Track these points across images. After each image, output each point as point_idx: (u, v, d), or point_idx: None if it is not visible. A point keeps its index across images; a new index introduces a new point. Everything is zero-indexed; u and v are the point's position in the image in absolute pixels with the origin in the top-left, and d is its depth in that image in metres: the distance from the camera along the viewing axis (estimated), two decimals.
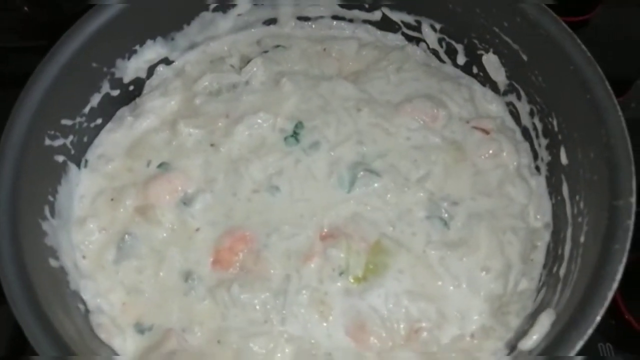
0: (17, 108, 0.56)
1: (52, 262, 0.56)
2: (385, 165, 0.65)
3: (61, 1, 0.92)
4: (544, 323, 0.50)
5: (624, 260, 0.48)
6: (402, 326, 0.58)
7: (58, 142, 0.61)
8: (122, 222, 0.63)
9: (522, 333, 0.52)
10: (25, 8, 0.95)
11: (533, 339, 0.50)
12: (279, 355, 0.57)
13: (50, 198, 0.60)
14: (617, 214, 0.50)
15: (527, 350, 0.50)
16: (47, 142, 0.59)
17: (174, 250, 0.62)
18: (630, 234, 0.49)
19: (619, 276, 0.47)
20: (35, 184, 0.56)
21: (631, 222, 0.49)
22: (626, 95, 0.86)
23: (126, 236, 0.62)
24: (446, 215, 0.63)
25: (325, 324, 0.58)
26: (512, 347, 0.54)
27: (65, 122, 0.62)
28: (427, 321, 0.58)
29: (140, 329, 0.58)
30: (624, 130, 0.53)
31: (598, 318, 0.46)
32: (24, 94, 0.56)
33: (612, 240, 0.49)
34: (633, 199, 0.50)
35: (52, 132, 0.60)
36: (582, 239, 0.55)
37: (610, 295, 0.47)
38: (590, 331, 0.45)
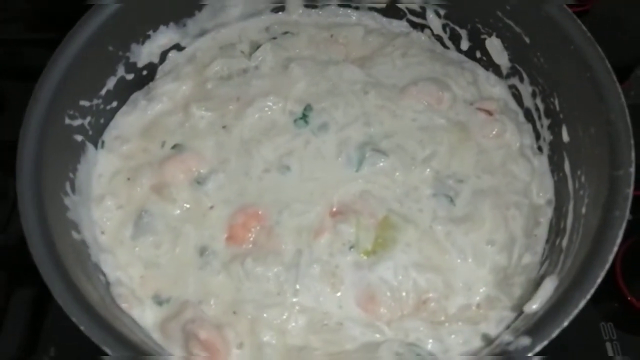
0: (39, 86, 0.58)
1: (75, 235, 0.58)
2: (392, 145, 0.67)
3: None
4: (548, 287, 0.53)
5: (624, 225, 0.50)
6: (410, 297, 0.60)
7: (77, 122, 0.64)
8: (138, 200, 0.65)
9: (527, 299, 0.54)
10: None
11: (537, 302, 0.52)
12: (292, 324, 0.59)
13: (71, 175, 0.62)
14: (617, 184, 0.52)
15: (532, 313, 0.52)
16: (67, 121, 0.62)
17: (189, 227, 0.64)
18: (629, 201, 0.51)
19: (619, 240, 0.50)
20: (56, 160, 0.59)
21: (630, 191, 0.51)
22: (625, 84, 0.88)
23: (143, 213, 0.64)
24: (452, 192, 0.65)
25: (336, 296, 0.60)
26: (518, 311, 0.56)
27: (84, 102, 0.65)
28: (435, 292, 0.60)
29: (158, 300, 0.60)
30: (623, 106, 0.56)
31: (599, 280, 0.48)
32: (46, 73, 0.59)
33: (612, 208, 0.51)
34: (632, 169, 0.52)
35: (72, 112, 0.62)
36: (583, 211, 0.57)
37: (610, 258, 0.49)
38: (592, 291, 0.47)
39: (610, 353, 0.67)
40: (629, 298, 0.69)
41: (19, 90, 0.89)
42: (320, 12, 0.80)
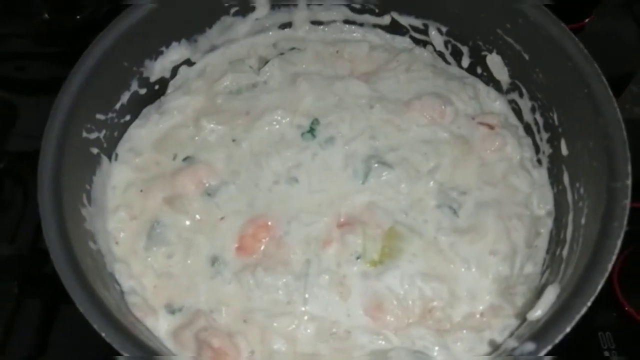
0: (59, 99, 0.60)
1: (92, 245, 0.60)
2: (397, 158, 0.69)
3: (80, 8, 0.96)
4: (550, 295, 0.55)
5: (622, 236, 0.52)
6: (416, 305, 0.61)
7: (93, 135, 0.65)
8: (151, 211, 0.67)
9: (529, 307, 0.56)
10: (46, 15, 0.99)
11: (540, 309, 0.54)
12: (302, 332, 0.60)
13: (87, 187, 0.64)
14: (615, 195, 0.54)
15: (535, 319, 0.54)
16: (85, 134, 0.64)
17: (201, 238, 0.66)
18: (627, 212, 0.53)
19: (617, 249, 0.52)
20: (74, 171, 0.61)
21: (628, 202, 0.53)
22: (619, 98, 0.90)
23: (155, 224, 0.66)
24: (455, 204, 0.67)
25: (344, 304, 0.62)
26: (521, 319, 0.58)
27: (99, 116, 0.67)
28: (440, 300, 0.62)
29: (171, 309, 0.62)
30: (619, 120, 0.58)
31: (599, 287, 0.50)
32: (65, 86, 0.61)
33: (611, 219, 0.53)
34: (629, 181, 0.54)
35: (89, 125, 0.65)
36: (582, 221, 0.59)
37: (610, 266, 0.51)
38: (593, 298, 0.49)
39: None
40: (626, 309, 0.71)
41: (27, 104, 0.92)
42: (326, 29, 0.82)
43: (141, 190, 0.68)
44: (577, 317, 0.48)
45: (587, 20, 0.96)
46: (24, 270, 0.77)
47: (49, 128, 0.59)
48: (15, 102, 0.91)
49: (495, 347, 0.57)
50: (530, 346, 0.49)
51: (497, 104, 0.76)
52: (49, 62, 0.95)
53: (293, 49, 0.80)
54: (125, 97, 0.71)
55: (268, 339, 0.60)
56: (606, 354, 0.69)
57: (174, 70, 0.77)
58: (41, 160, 0.57)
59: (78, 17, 0.96)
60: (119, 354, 0.50)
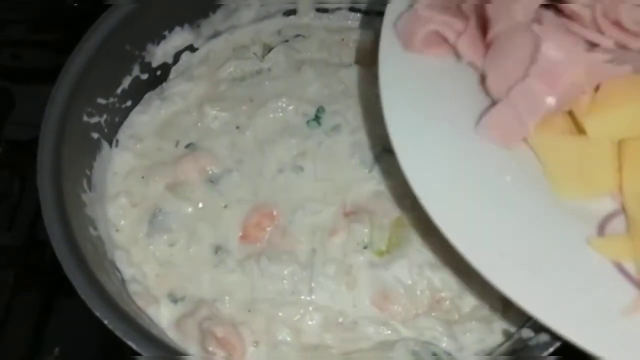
0: (59, 82, 0.59)
1: (92, 232, 0.58)
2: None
3: None
4: None
5: None
6: (425, 295, 0.60)
7: (94, 120, 0.64)
8: (152, 198, 0.66)
9: None
10: (43, 1, 0.98)
11: None
12: (308, 323, 0.59)
13: (88, 172, 0.62)
14: None
15: None
16: (85, 118, 0.62)
17: (204, 226, 0.64)
18: None
19: None
20: (75, 156, 0.59)
21: None
22: None
23: (157, 211, 0.65)
24: None
25: (351, 294, 0.61)
26: None
27: (100, 100, 0.65)
28: (449, 291, 0.60)
29: (173, 299, 0.60)
30: None
31: None
32: (66, 68, 0.59)
33: None
34: None
35: (89, 109, 0.63)
36: None
37: None
38: None
39: None
40: None
41: (24, 92, 0.90)
42: (331, 16, 0.81)
43: (142, 177, 0.67)
44: None
45: None
46: (21, 260, 0.76)
47: (49, 109, 0.57)
48: (11, 90, 0.90)
49: (508, 336, 0.56)
50: (544, 337, 0.48)
51: None
52: (46, 50, 0.94)
53: (298, 36, 0.79)
54: (126, 82, 0.69)
55: (273, 329, 0.58)
56: None
57: (177, 56, 0.75)
58: (41, 143, 0.56)
59: (76, 4, 0.95)
60: (120, 347, 0.48)
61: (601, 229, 0.50)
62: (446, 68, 0.57)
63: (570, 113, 0.54)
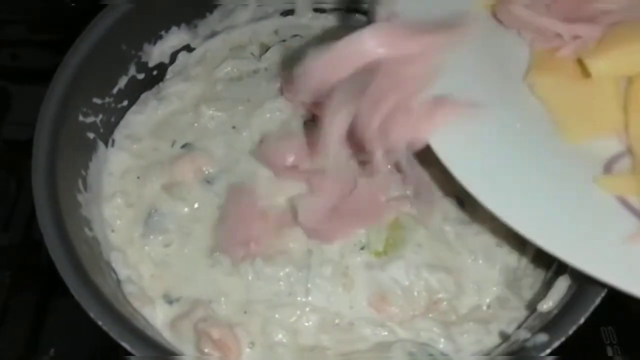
0: (55, 81, 0.59)
1: (87, 232, 0.58)
2: None
3: None
4: (561, 287, 0.53)
5: None
6: (422, 296, 0.60)
7: (89, 120, 0.64)
8: (148, 198, 0.65)
9: (540, 298, 0.55)
10: (41, 1, 0.98)
11: (552, 301, 0.53)
12: (304, 324, 0.59)
13: (83, 172, 0.62)
14: None
15: (546, 311, 0.52)
16: (81, 118, 0.62)
17: (200, 226, 0.64)
18: None
19: None
20: (70, 156, 0.59)
21: None
22: None
23: (153, 212, 0.64)
24: (462, 194, 0.65)
25: (347, 296, 0.60)
26: (528, 312, 0.57)
27: (96, 100, 0.65)
28: (446, 292, 0.60)
29: (169, 299, 0.60)
30: None
31: None
32: (62, 67, 0.59)
33: None
34: None
35: (85, 109, 0.63)
36: None
37: None
38: (606, 289, 0.48)
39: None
40: (629, 303, 0.70)
41: (21, 92, 0.90)
42: (329, 17, 0.81)
43: (138, 177, 0.67)
44: (592, 308, 0.47)
45: None
46: (17, 260, 0.76)
47: (44, 109, 0.57)
48: (9, 90, 0.90)
49: (505, 338, 0.56)
50: (542, 337, 0.48)
51: None
52: (43, 50, 0.94)
53: (295, 36, 0.78)
54: (123, 82, 0.69)
55: (269, 330, 0.58)
56: (609, 349, 0.68)
57: (173, 56, 0.75)
58: (36, 142, 0.55)
59: (73, 4, 0.95)
60: (115, 348, 0.48)
61: (607, 168, 0.51)
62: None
63: (579, 60, 0.55)
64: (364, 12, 0.80)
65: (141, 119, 0.71)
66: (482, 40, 0.58)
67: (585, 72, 0.54)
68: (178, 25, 0.73)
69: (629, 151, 0.52)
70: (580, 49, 0.55)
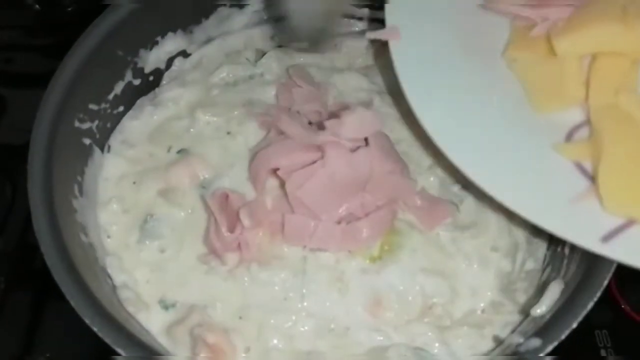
0: (50, 88, 0.59)
1: (83, 238, 0.58)
2: (399, 152, 0.68)
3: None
4: (554, 291, 0.54)
5: None
6: (417, 301, 0.60)
7: (85, 126, 0.64)
8: (144, 204, 0.65)
9: (533, 303, 0.55)
10: (37, 6, 0.98)
11: (545, 305, 0.53)
12: (299, 329, 0.59)
13: (79, 178, 0.62)
14: None
15: (540, 315, 0.53)
16: (77, 124, 0.62)
17: (195, 231, 0.64)
18: None
19: None
20: (66, 161, 0.59)
21: None
22: None
23: (148, 217, 0.64)
24: (457, 199, 0.66)
25: (343, 301, 0.60)
26: (523, 316, 0.58)
27: (92, 106, 0.65)
28: (441, 297, 0.60)
29: (164, 305, 0.60)
30: None
31: (606, 282, 0.49)
32: (59, 73, 0.59)
33: None
34: None
35: (81, 115, 0.63)
36: None
37: (615, 262, 0.50)
38: (599, 293, 0.49)
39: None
40: (623, 307, 0.71)
41: (16, 96, 0.90)
42: None
43: (134, 183, 0.67)
44: (584, 313, 0.48)
45: None
46: (12, 265, 0.76)
47: (40, 115, 0.57)
48: (4, 95, 0.90)
49: (499, 342, 0.56)
50: (535, 342, 0.48)
51: None
52: (39, 55, 0.94)
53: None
54: (119, 88, 0.69)
55: (265, 335, 0.58)
56: (602, 352, 0.69)
57: (169, 62, 0.76)
58: (32, 148, 0.55)
59: (70, 8, 0.95)
60: (110, 352, 0.48)
61: (569, 136, 0.58)
62: None
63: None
64: (359, 18, 0.81)
65: (137, 124, 0.71)
66: (467, 17, 0.65)
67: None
68: (174, 31, 0.73)
69: (588, 121, 0.57)
70: (550, 29, 0.60)
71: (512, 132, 0.57)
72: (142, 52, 0.71)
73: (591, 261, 0.52)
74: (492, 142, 0.57)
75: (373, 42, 0.79)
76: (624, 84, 0.57)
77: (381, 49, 0.78)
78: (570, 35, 0.58)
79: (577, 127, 0.58)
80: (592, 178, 0.53)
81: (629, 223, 0.51)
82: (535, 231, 0.66)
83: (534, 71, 0.61)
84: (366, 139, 0.62)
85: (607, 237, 0.50)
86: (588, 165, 0.55)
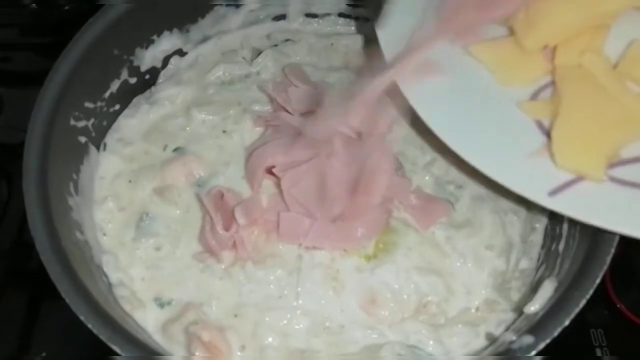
0: (46, 85, 0.59)
1: (79, 235, 0.58)
2: (394, 151, 0.68)
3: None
4: (547, 289, 0.54)
5: None
6: (411, 299, 0.60)
7: (81, 124, 0.64)
8: (140, 202, 0.66)
9: (527, 301, 0.55)
10: (33, 5, 0.97)
11: (538, 303, 0.53)
12: (295, 327, 0.59)
13: (74, 176, 0.62)
14: None
15: (533, 313, 0.53)
16: (72, 122, 0.62)
17: (190, 230, 0.64)
18: None
19: (616, 242, 0.51)
20: (61, 159, 0.59)
21: None
22: None
23: (144, 215, 0.65)
24: (452, 197, 0.66)
25: (338, 299, 0.60)
26: (517, 314, 0.58)
27: (88, 104, 0.65)
28: (435, 295, 0.61)
29: (160, 303, 0.60)
30: None
31: (598, 280, 0.50)
32: (54, 71, 0.59)
33: None
34: None
35: (77, 113, 0.63)
36: None
37: (608, 259, 0.51)
38: (591, 291, 0.49)
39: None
40: (618, 306, 0.71)
41: (12, 95, 0.90)
42: (321, 22, 0.81)
43: (130, 181, 0.67)
44: (576, 310, 0.48)
45: None
46: (8, 263, 0.75)
47: (36, 113, 0.57)
48: (0, 94, 0.89)
49: (492, 340, 0.57)
50: (528, 339, 0.48)
51: None
52: (35, 53, 0.94)
53: (287, 40, 0.79)
54: (115, 86, 0.69)
55: (260, 333, 0.58)
56: (598, 351, 0.69)
57: (165, 60, 0.76)
58: (27, 146, 0.55)
59: (66, 7, 0.95)
60: (106, 351, 0.48)
61: (534, 96, 0.59)
62: None
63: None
64: (355, 18, 0.81)
65: (133, 122, 0.71)
66: None
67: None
68: (170, 30, 0.73)
69: (553, 82, 0.59)
70: (512, 20, 0.61)
71: (480, 93, 0.60)
72: (138, 50, 0.71)
73: (584, 259, 0.52)
74: (460, 103, 0.59)
75: (370, 41, 0.80)
76: (590, 45, 0.58)
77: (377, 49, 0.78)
78: (535, 32, 0.59)
79: (543, 87, 0.59)
80: (548, 135, 0.55)
81: (577, 179, 0.52)
82: (530, 230, 0.66)
83: (497, 55, 0.61)
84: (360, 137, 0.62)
85: (554, 192, 0.52)
86: (547, 122, 0.56)
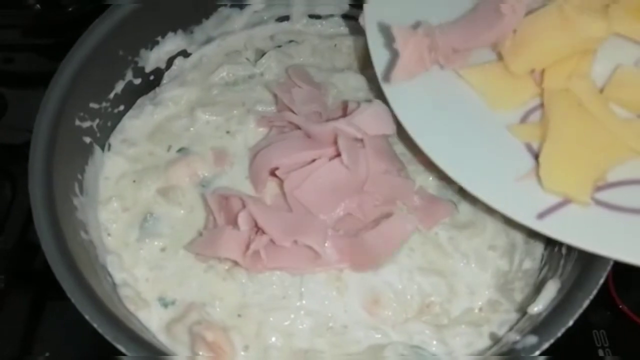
0: (52, 86, 0.59)
1: (83, 235, 0.58)
2: (397, 151, 0.69)
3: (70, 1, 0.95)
4: (551, 290, 0.54)
5: None
6: (415, 300, 0.60)
7: (86, 124, 0.64)
8: (144, 202, 0.66)
9: (530, 301, 0.56)
10: (37, 6, 0.98)
11: (541, 304, 0.53)
12: (298, 327, 0.59)
13: (79, 176, 0.63)
14: None
15: (536, 314, 0.53)
16: (77, 122, 0.62)
17: (194, 230, 0.64)
18: None
19: None
20: (66, 160, 0.59)
21: None
22: None
23: (148, 216, 0.65)
24: (455, 198, 0.67)
25: (341, 299, 0.61)
26: (520, 315, 0.58)
27: (93, 105, 0.65)
28: (438, 295, 0.61)
29: (164, 302, 0.61)
30: None
31: (602, 281, 0.50)
32: (60, 72, 0.60)
33: None
34: None
35: (82, 114, 0.63)
36: None
37: (611, 260, 0.51)
38: (595, 292, 0.49)
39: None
40: (620, 307, 0.72)
41: (16, 96, 0.90)
42: (324, 23, 0.82)
43: (134, 181, 0.67)
44: (580, 311, 0.48)
45: None
46: (11, 265, 0.76)
47: (41, 114, 0.57)
48: (4, 94, 0.90)
49: (495, 340, 0.57)
50: (532, 339, 0.48)
51: None
52: (39, 54, 0.95)
53: (291, 41, 0.80)
54: (119, 87, 0.70)
55: (263, 333, 0.59)
56: (600, 352, 0.69)
57: (170, 61, 0.76)
58: (33, 147, 0.56)
59: (70, 8, 0.95)
60: (109, 351, 0.48)
61: (523, 119, 0.61)
62: None
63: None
64: (358, 19, 0.81)
65: (137, 123, 0.71)
66: None
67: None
68: (174, 31, 0.74)
69: (542, 105, 0.60)
70: (500, 45, 0.62)
71: (471, 116, 0.61)
72: (142, 51, 0.71)
73: (587, 260, 0.52)
74: (452, 125, 0.60)
75: None
76: (577, 69, 0.59)
77: None
78: (521, 57, 0.60)
79: (533, 110, 0.60)
80: (537, 158, 0.56)
81: (564, 202, 0.53)
82: (533, 231, 0.66)
83: (486, 80, 0.62)
84: (362, 140, 0.62)
85: (542, 214, 0.53)
86: (537, 145, 0.57)
